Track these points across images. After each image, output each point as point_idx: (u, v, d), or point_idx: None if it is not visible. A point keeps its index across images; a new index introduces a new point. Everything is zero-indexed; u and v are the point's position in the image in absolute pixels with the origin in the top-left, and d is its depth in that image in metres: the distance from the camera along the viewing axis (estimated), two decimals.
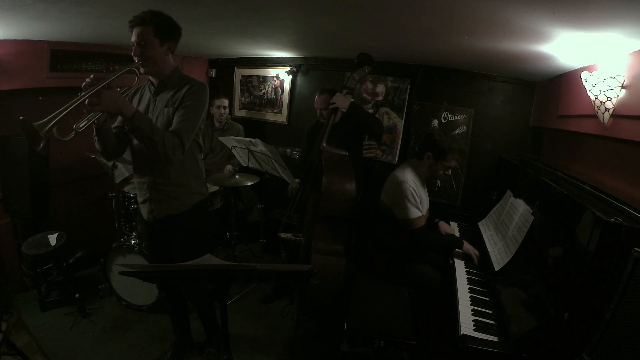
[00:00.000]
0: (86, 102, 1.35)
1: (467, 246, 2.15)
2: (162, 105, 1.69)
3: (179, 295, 2.13)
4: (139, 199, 1.87)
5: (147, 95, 1.77)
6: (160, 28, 1.59)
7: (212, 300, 2.13)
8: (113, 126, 1.72)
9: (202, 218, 1.93)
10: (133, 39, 1.57)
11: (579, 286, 1.26)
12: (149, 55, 1.59)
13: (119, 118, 1.74)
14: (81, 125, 1.40)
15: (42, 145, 1.28)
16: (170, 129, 1.60)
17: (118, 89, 1.48)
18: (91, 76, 1.39)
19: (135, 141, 1.74)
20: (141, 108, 1.73)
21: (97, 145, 1.66)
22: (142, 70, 1.62)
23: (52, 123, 1.26)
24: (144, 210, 1.85)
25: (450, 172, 2.22)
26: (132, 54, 1.59)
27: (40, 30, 2.25)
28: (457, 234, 2.50)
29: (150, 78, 1.73)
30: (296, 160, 3.22)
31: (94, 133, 1.59)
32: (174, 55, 1.72)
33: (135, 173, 1.84)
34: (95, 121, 1.48)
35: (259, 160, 2.90)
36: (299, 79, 3.71)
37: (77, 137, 1.41)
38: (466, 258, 2.14)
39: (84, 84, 1.38)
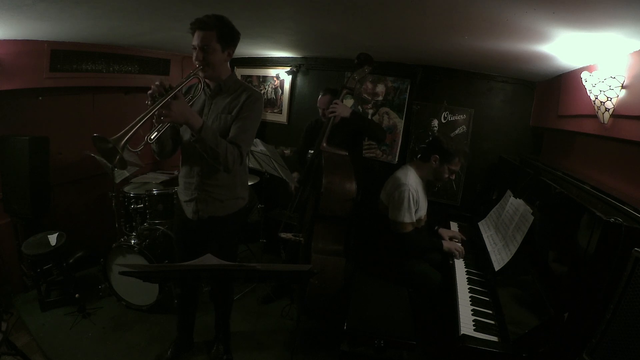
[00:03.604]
0: (155, 113, 1.36)
1: (447, 244, 2.20)
2: (219, 110, 1.70)
3: (195, 293, 2.15)
4: (183, 198, 1.88)
5: (202, 97, 1.76)
6: (222, 34, 1.58)
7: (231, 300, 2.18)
8: None
9: (241, 222, 1.98)
10: (195, 42, 1.56)
11: (579, 286, 1.27)
12: (210, 60, 1.58)
13: None
14: (152, 137, 1.43)
15: (117, 158, 1.29)
16: (229, 138, 1.62)
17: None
18: (157, 83, 1.39)
19: (186, 141, 1.75)
20: (195, 109, 1.71)
21: (154, 147, 1.67)
22: (201, 74, 1.62)
23: (126, 137, 1.26)
24: (188, 210, 1.85)
25: (454, 176, 2.24)
26: (193, 58, 1.59)
27: (40, 30, 2.24)
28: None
29: (206, 80, 1.72)
30: (292, 157, 3.19)
31: None
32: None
33: (183, 172, 1.85)
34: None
35: (259, 160, 2.90)
36: (299, 79, 3.71)
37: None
38: (467, 257, 2.14)
39: (150, 91, 1.39)
